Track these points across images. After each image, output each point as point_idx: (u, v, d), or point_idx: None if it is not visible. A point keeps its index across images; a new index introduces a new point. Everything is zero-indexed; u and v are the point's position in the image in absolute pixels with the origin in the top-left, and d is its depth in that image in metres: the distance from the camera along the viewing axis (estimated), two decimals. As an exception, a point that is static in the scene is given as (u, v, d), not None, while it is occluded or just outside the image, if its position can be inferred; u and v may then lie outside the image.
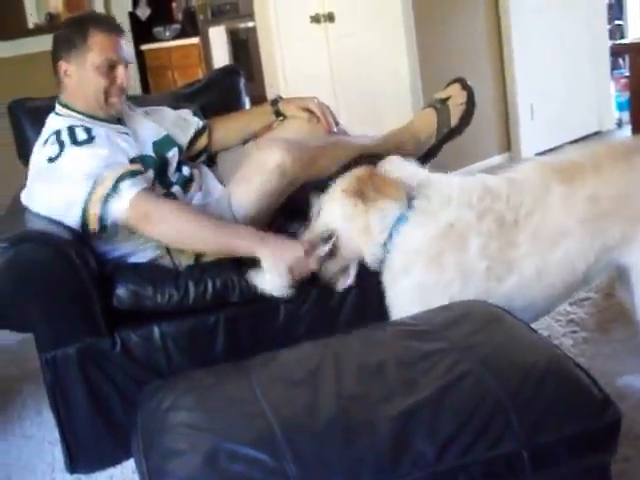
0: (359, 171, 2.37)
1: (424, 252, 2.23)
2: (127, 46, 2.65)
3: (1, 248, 2.29)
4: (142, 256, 2.58)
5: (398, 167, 2.36)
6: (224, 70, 3.43)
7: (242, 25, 6.99)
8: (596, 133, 5.99)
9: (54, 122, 2.59)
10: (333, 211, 2.36)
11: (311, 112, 2.85)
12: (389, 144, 2.85)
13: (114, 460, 2.54)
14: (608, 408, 1.62)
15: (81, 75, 2.55)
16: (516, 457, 1.54)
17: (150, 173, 2.61)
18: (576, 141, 5.75)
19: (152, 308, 2.46)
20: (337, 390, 1.66)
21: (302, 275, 2.39)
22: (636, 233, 2.17)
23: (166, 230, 2.44)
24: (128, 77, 2.61)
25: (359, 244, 2.33)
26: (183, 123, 2.93)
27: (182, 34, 8.07)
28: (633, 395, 2.41)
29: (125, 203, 2.39)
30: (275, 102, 2.94)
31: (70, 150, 2.46)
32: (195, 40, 7.74)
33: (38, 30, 4.15)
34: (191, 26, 7.93)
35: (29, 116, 2.89)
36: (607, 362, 2.66)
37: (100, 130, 2.54)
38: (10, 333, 2.79)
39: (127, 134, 2.64)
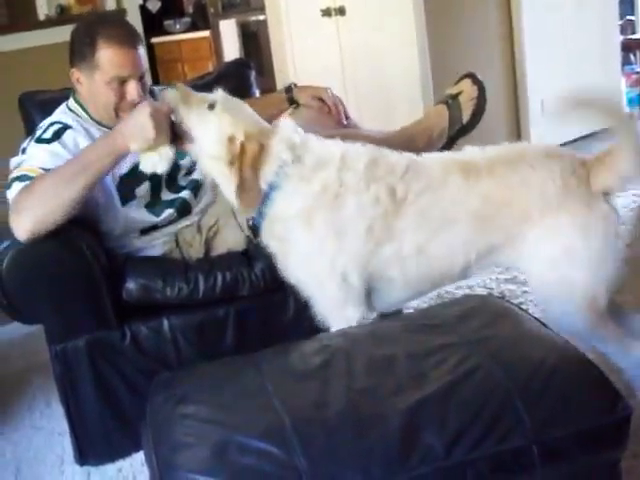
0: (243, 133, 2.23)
1: (296, 217, 2.20)
2: (142, 53, 2.53)
3: (12, 241, 2.29)
4: (151, 252, 2.59)
5: (280, 129, 2.29)
6: (235, 63, 3.43)
7: (253, 18, 6.98)
8: (606, 128, 5.95)
9: (53, 115, 2.59)
10: (210, 145, 2.24)
11: (323, 102, 2.85)
12: (399, 139, 2.85)
13: (123, 452, 2.55)
14: (618, 404, 1.62)
15: (91, 87, 2.49)
16: (525, 452, 1.54)
17: (144, 186, 2.57)
18: (586, 137, 5.73)
19: (162, 301, 2.46)
20: (347, 383, 1.66)
21: (163, 121, 2.24)
22: (514, 238, 2.17)
23: (35, 210, 2.27)
24: (144, 87, 2.53)
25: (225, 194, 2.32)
26: None
27: (192, 27, 8.07)
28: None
29: (8, 198, 2.33)
30: (289, 89, 2.93)
31: (29, 145, 2.46)
32: (206, 33, 7.73)
33: (49, 22, 4.16)
34: (202, 19, 7.92)
35: (39, 108, 2.89)
36: (616, 357, 2.65)
37: (74, 134, 2.47)
38: (20, 325, 2.80)
39: None
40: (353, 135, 2.74)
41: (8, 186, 2.36)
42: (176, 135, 2.27)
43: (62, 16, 4.24)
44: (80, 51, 2.46)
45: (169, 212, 2.61)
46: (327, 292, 2.21)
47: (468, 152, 2.31)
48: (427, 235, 2.19)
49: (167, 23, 8.07)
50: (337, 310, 2.20)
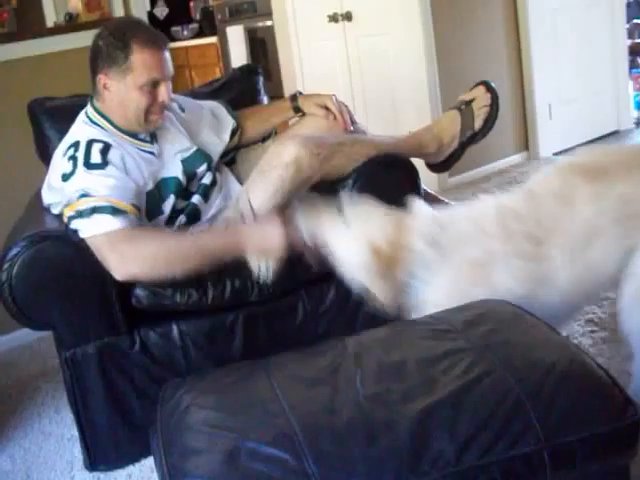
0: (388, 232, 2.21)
1: (448, 302, 2.13)
2: (170, 59, 2.55)
3: (22, 247, 2.30)
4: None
5: (416, 222, 2.24)
6: (243, 69, 3.43)
7: (260, 24, 6.99)
8: (614, 132, 5.96)
9: (79, 130, 2.56)
10: (350, 250, 2.23)
11: (328, 110, 2.85)
12: (410, 145, 2.85)
13: (133, 458, 2.56)
14: (628, 409, 1.61)
15: (121, 92, 2.48)
16: (536, 457, 1.54)
17: (170, 200, 2.59)
18: (594, 140, 5.73)
19: (171, 308, 2.47)
20: (357, 389, 1.65)
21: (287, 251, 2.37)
22: None
23: (142, 266, 2.38)
24: (170, 91, 2.55)
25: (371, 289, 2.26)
26: (217, 125, 2.89)
27: (200, 33, 8.08)
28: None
29: (94, 230, 2.35)
30: (294, 98, 2.94)
31: (80, 172, 2.41)
32: (213, 39, 7.74)
33: (57, 30, 4.15)
34: (209, 25, 7.92)
35: (48, 115, 2.91)
36: (626, 362, 2.64)
37: (118, 153, 2.47)
38: (30, 331, 2.81)
39: (152, 153, 2.59)
40: (362, 141, 2.75)
41: (81, 214, 2.36)
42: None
43: (71, 23, 4.24)
44: (111, 55, 2.45)
45: (180, 219, 2.61)
46: None
47: (585, 158, 2.27)
48: (577, 260, 2.14)
49: (174, 29, 8.08)
50: None
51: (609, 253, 2.15)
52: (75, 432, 2.59)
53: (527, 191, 2.25)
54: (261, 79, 3.30)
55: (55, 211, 2.51)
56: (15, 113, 3.25)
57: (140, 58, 2.43)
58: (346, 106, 2.89)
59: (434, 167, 3.00)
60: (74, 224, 2.37)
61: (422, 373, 1.69)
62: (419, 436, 1.53)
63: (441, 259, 2.18)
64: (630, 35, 6.32)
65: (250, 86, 3.24)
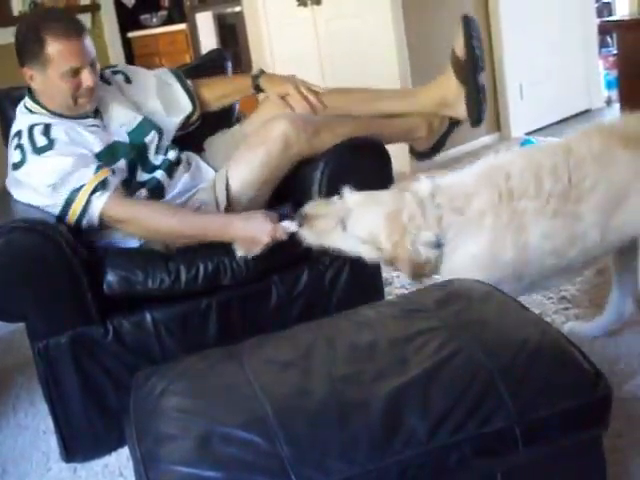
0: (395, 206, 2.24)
1: (477, 267, 2.18)
2: (89, 43, 2.54)
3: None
4: (132, 241, 2.59)
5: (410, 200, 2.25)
6: (211, 54, 3.42)
7: (229, 10, 6.96)
8: (585, 111, 5.99)
9: (19, 120, 2.61)
10: (366, 229, 2.26)
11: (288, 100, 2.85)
12: (399, 128, 2.83)
13: (109, 448, 2.54)
14: (599, 383, 1.63)
15: (46, 82, 2.52)
16: (508, 433, 1.55)
17: (121, 163, 2.60)
18: (565, 120, 5.76)
19: (143, 293, 2.46)
20: (329, 371, 1.66)
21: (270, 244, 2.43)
22: None
23: (139, 229, 2.52)
24: (96, 72, 2.57)
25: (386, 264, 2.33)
26: (170, 100, 2.88)
27: (169, 20, 8.03)
28: (625, 371, 2.42)
29: (97, 212, 2.45)
30: (256, 77, 2.93)
31: (31, 159, 2.46)
32: (182, 26, 7.71)
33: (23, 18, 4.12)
34: (178, 12, 7.89)
35: (15, 105, 2.87)
36: (599, 338, 2.67)
37: (61, 128, 2.52)
38: (3, 324, 2.79)
39: (97, 126, 2.63)
40: (350, 119, 2.75)
41: (89, 202, 2.44)
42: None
43: (21, 17, 4.21)
44: (29, 49, 2.49)
45: (142, 192, 2.62)
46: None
47: (623, 122, 2.31)
48: (606, 222, 2.18)
49: (143, 17, 8.03)
50: None
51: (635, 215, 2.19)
52: (50, 424, 2.57)
53: (565, 148, 2.25)
54: (229, 64, 3.28)
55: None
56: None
57: (55, 49, 2.46)
58: (308, 86, 2.86)
59: (421, 154, 2.97)
60: (85, 221, 2.47)
61: (394, 353, 1.70)
62: (391, 415, 1.53)
63: (463, 228, 2.19)
64: (599, 14, 6.33)
65: (218, 72, 3.22)
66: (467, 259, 2.20)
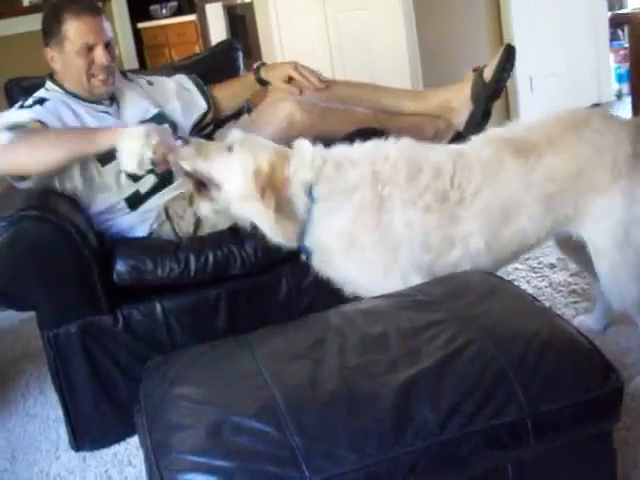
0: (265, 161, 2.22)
1: (340, 243, 2.19)
2: (106, 25, 2.66)
3: (1, 227, 2.28)
4: (142, 229, 2.59)
5: (297, 152, 2.26)
6: (222, 45, 3.41)
7: (239, 1, 6.95)
8: (596, 105, 5.96)
9: (36, 93, 2.69)
10: (238, 184, 2.23)
11: (292, 79, 2.86)
12: (407, 123, 2.83)
13: (118, 437, 2.55)
14: (610, 376, 1.63)
15: (64, 60, 2.63)
16: (519, 425, 1.55)
17: None
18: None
19: (153, 283, 2.46)
20: (340, 361, 1.66)
21: (162, 148, 2.28)
22: (587, 207, 2.15)
23: (33, 169, 2.45)
24: (112, 54, 2.66)
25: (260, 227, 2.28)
26: (189, 100, 2.93)
27: (179, 12, 8.03)
28: (636, 364, 2.42)
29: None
30: (258, 70, 2.95)
31: (11, 110, 2.65)
32: (192, 17, 7.70)
33: (33, 9, 4.13)
34: (187, 3, 7.88)
35: (26, 95, 2.87)
36: (609, 331, 2.66)
37: (54, 103, 2.60)
38: (13, 313, 2.80)
39: (107, 113, 2.69)
40: (358, 109, 2.75)
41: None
42: (200, 188, 2.33)
43: (46, 3, 4.21)
44: (49, 29, 2.63)
45: (149, 178, 2.60)
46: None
47: (515, 129, 2.27)
48: (493, 229, 2.17)
49: (153, 8, 8.03)
50: None
51: (530, 228, 2.18)
52: (60, 413, 2.58)
53: (458, 151, 2.25)
54: (240, 55, 3.28)
55: None
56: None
57: (72, 26, 2.58)
58: (310, 70, 2.87)
59: None
60: None
61: (405, 344, 1.69)
62: (402, 407, 1.53)
63: (330, 199, 2.19)
64: (610, 7, 6.30)
65: (229, 62, 3.22)
66: (332, 233, 2.20)
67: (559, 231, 2.25)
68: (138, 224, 2.61)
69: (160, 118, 2.75)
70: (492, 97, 2.79)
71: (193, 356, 1.90)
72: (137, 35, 7.44)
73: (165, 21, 7.94)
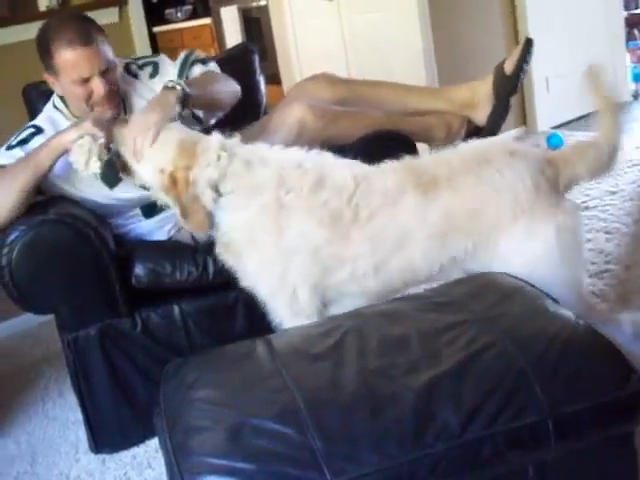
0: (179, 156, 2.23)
1: (241, 237, 2.21)
2: (102, 49, 2.48)
3: (20, 231, 2.30)
4: (160, 234, 2.60)
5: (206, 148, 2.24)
6: (238, 47, 3.42)
7: (254, 4, 6.95)
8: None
9: (43, 113, 2.67)
10: (146, 176, 2.29)
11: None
12: (417, 125, 2.83)
13: (137, 440, 2.57)
14: (631, 377, 1.61)
15: (63, 87, 2.54)
16: (540, 427, 1.54)
17: None
18: (592, 114, 5.70)
19: (171, 286, 2.47)
20: (360, 363, 1.65)
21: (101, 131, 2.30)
22: (492, 247, 2.14)
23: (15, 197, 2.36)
24: (112, 79, 2.53)
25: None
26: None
27: (194, 15, 8.04)
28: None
29: None
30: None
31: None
32: (207, 20, 7.71)
33: (50, 13, 4.13)
34: (202, 7, 7.89)
35: (43, 99, 2.89)
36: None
37: (44, 139, 2.47)
38: (33, 316, 2.81)
39: None
40: (369, 113, 2.75)
41: None
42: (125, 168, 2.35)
43: (63, 7, 4.23)
44: (42, 58, 2.51)
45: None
46: (279, 303, 2.21)
47: (426, 161, 2.27)
48: (383, 256, 2.17)
49: (168, 12, 8.05)
50: (289, 319, 2.19)
51: (421, 261, 2.18)
52: (79, 415, 2.59)
53: (364, 175, 2.22)
54: (257, 58, 3.28)
55: None
56: (10, 97, 3.23)
57: (62, 60, 2.44)
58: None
59: None
60: None
61: (426, 346, 1.69)
62: (424, 408, 1.53)
63: (237, 193, 2.20)
64: (627, 7, 6.27)
65: (246, 65, 3.22)
66: (235, 227, 2.21)
67: (468, 267, 2.20)
68: (156, 230, 2.62)
69: None
70: (513, 90, 2.80)
71: (212, 358, 1.90)
72: (152, 39, 7.46)
73: (180, 25, 7.96)
